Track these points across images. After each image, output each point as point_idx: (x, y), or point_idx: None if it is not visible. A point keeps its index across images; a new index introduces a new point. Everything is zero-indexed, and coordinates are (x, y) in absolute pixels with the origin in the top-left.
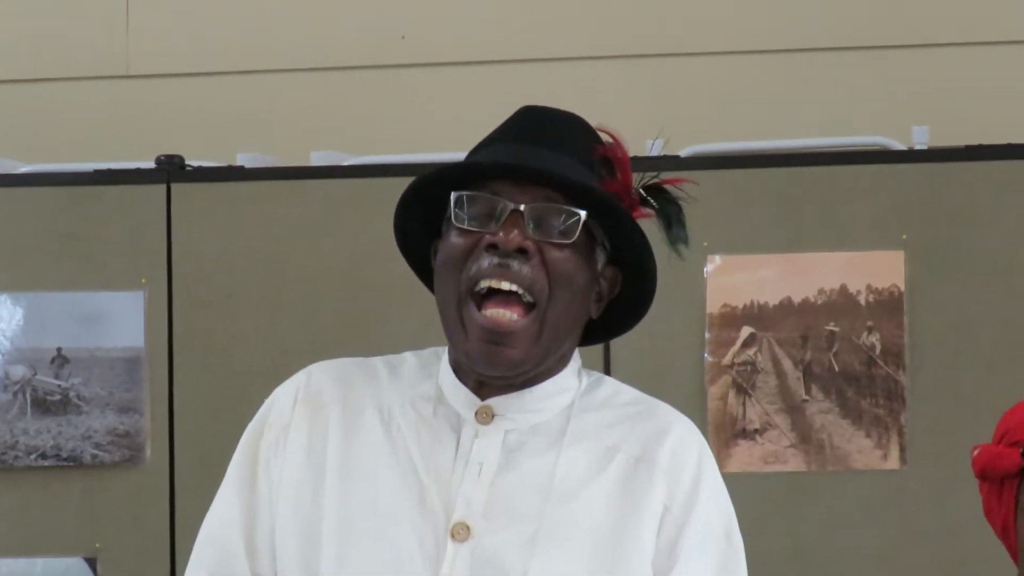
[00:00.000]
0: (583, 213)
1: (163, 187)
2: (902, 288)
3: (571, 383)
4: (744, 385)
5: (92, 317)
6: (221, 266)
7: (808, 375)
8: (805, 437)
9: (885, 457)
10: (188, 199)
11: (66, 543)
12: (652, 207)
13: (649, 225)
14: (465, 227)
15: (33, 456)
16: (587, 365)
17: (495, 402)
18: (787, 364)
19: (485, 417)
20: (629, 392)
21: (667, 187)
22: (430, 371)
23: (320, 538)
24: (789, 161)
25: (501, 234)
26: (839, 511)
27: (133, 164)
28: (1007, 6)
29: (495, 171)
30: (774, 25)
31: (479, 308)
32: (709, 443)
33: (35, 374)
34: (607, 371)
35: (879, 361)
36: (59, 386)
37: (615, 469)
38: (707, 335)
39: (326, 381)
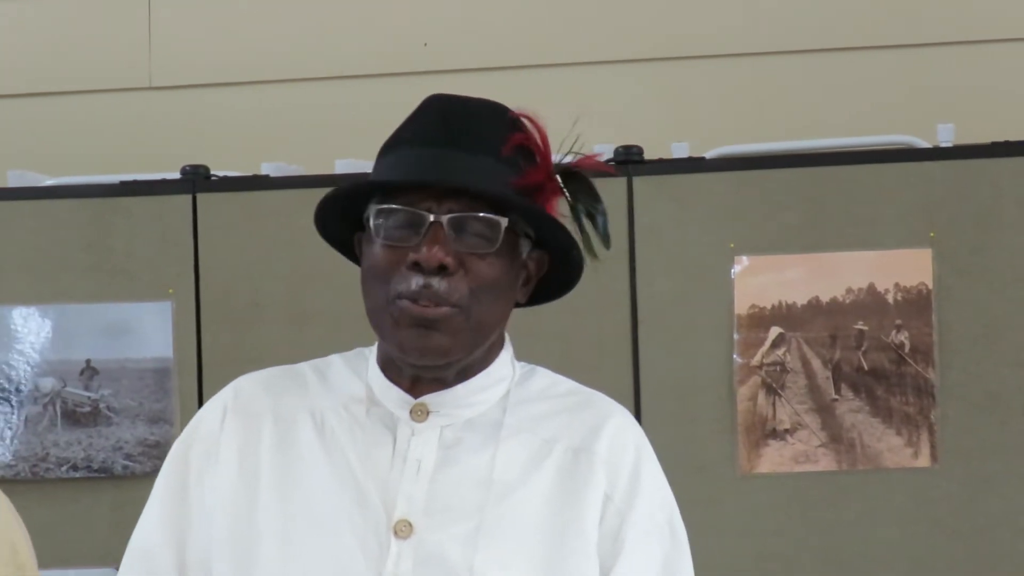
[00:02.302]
0: (504, 220)
1: (189, 197)
2: (930, 286)
3: (504, 373)
4: (773, 385)
5: (120, 328)
6: (248, 275)
7: (837, 374)
8: (835, 436)
9: (916, 455)
10: (214, 209)
11: (97, 554)
12: (566, 197)
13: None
14: (387, 243)
15: (64, 468)
16: (615, 370)
17: (429, 399)
18: (816, 364)
19: (420, 415)
20: (565, 383)
21: (586, 174)
22: (358, 371)
23: (259, 551)
24: (815, 161)
25: (424, 250)
26: (871, 510)
27: (158, 175)
28: None
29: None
30: (798, 26)
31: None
32: (740, 444)
33: (65, 386)
34: (635, 374)
35: (908, 359)
36: (89, 398)
37: (554, 461)
38: (736, 336)
39: (255, 393)
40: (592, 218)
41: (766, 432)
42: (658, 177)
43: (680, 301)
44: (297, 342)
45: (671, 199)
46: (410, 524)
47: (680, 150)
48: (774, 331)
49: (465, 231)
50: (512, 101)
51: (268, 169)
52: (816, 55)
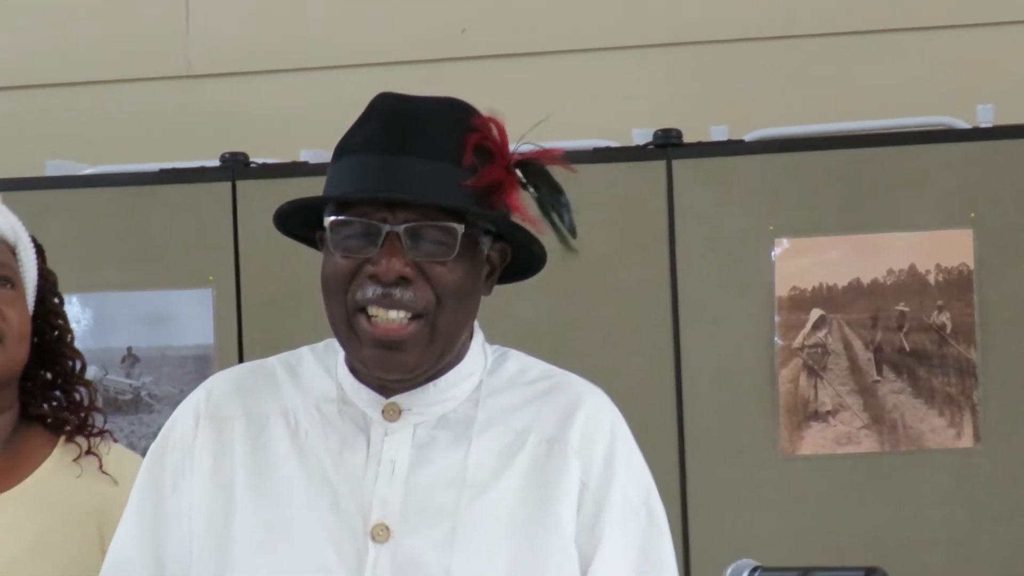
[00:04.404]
0: (460, 227)
1: (228, 184)
2: (971, 266)
3: (475, 365)
4: (815, 367)
5: (161, 316)
6: (288, 262)
7: (879, 355)
8: (878, 418)
9: (959, 436)
10: (253, 196)
11: None
12: (530, 192)
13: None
14: (344, 254)
15: None
16: (657, 354)
17: (401, 399)
18: (858, 345)
19: (392, 414)
20: (536, 367)
21: (542, 166)
22: (328, 367)
23: (235, 560)
24: (855, 143)
25: (382, 262)
26: (913, 491)
27: (198, 163)
28: None
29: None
30: (837, 8)
31: (368, 318)
32: (782, 426)
33: (106, 374)
34: (676, 358)
35: (950, 340)
36: (130, 385)
37: (527, 454)
38: (776, 318)
39: (226, 394)
40: (556, 210)
41: (808, 414)
42: (697, 160)
43: (720, 284)
44: None
45: (710, 182)
46: (387, 528)
47: (719, 133)
48: (815, 313)
49: (422, 239)
50: (549, 86)
51: (307, 156)
52: (856, 37)
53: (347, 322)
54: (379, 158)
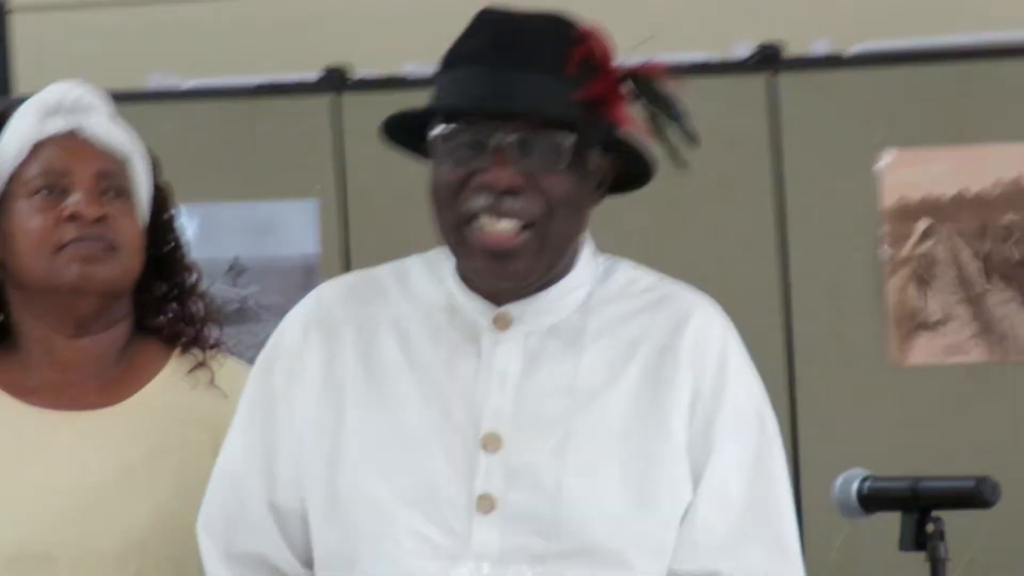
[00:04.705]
0: (569, 138)
1: (330, 98)
2: None
3: (585, 276)
4: (924, 276)
5: (266, 226)
6: (393, 173)
7: (988, 265)
8: (987, 327)
9: None
10: (357, 108)
11: None
12: (642, 103)
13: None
14: (453, 165)
15: None
16: (763, 266)
17: (511, 308)
18: (966, 255)
19: (503, 324)
20: (646, 277)
21: (655, 82)
22: (438, 275)
23: (347, 468)
24: (958, 57)
25: (492, 172)
26: (1021, 400)
27: (298, 76)
28: None
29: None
30: None
31: (478, 227)
32: (891, 336)
33: (212, 284)
34: (783, 269)
35: None
36: (237, 294)
37: (639, 363)
38: (884, 229)
39: (336, 302)
40: (672, 120)
41: (917, 324)
42: (801, 74)
43: (827, 196)
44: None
45: (814, 96)
46: (499, 437)
47: (821, 47)
48: (923, 223)
49: (531, 150)
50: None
51: (409, 68)
52: None
53: (457, 231)
54: (487, 71)
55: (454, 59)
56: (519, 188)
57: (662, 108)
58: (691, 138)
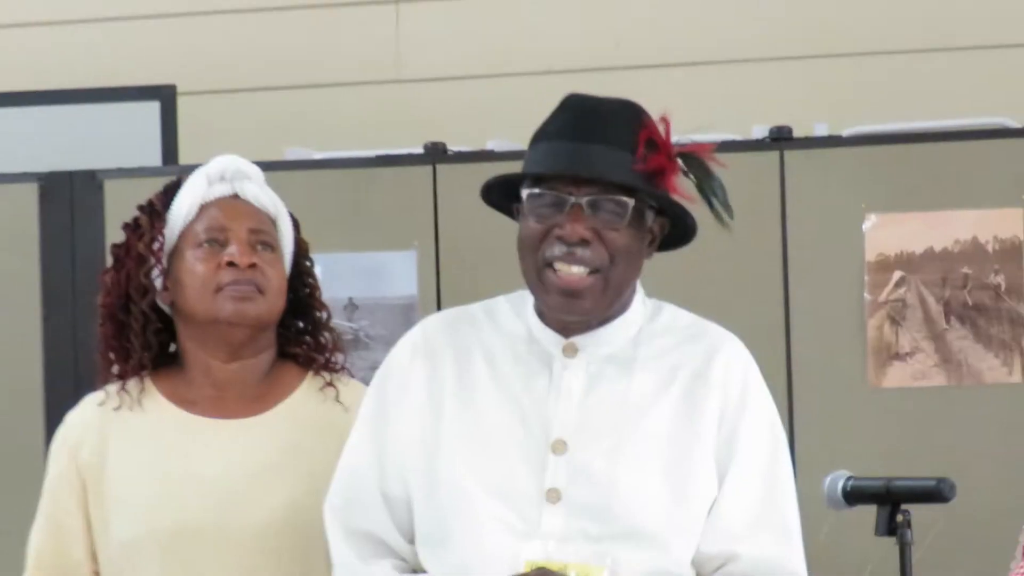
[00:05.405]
0: (631, 201)
1: (430, 168)
2: (1022, 238)
3: (637, 315)
4: (896, 318)
5: (376, 272)
6: (477, 230)
7: (948, 309)
8: (947, 358)
9: (1010, 373)
10: (450, 176)
11: None
12: (690, 177)
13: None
14: (536, 220)
15: None
16: (769, 307)
17: (577, 339)
18: (931, 300)
19: (570, 352)
20: (685, 316)
21: (703, 158)
22: (521, 312)
23: (442, 461)
24: (930, 138)
25: (567, 227)
26: (974, 417)
27: (405, 150)
28: None
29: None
30: (916, 29)
31: (554, 272)
32: (870, 364)
33: (331, 319)
34: (786, 310)
35: (1004, 296)
36: (351, 328)
37: (678, 385)
38: (866, 278)
39: (438, 331)
40: (712, 191)
41: (891, 355)
42: (805, 151)
43: (822, 250)
44: (519, 284)
45: (815, 169)
46: (564, 442)
47: (821, 129)
48: (897, 274)
49: (600, 209)
50: (687, 91)
51: (493, 144)
52: (930, 54)
53: (537, 275)
54: (569, 144)
55: (543, 134)
56: (588, 239)
57: (707, 181)
58: (727, 207)
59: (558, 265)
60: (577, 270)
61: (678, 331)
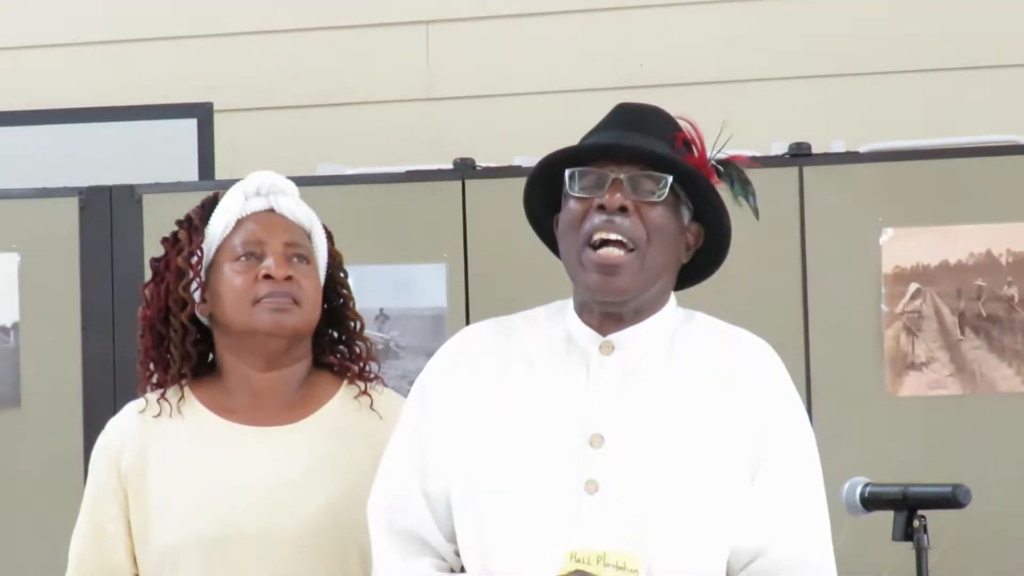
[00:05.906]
0: (669, 177)
1: (459, 183)
2: None
3: (670, 319)
4: (913, 328)
5: (406, 284)
6: (504, 245)
7: (962, 320)
8: (961, 367)
9: (1023, 382)
10: (478, 191)
11: None
12: (720, 174)
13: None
14: (578, 195)
15: None
16: (790, 317)
17: (613, 337)
18: (946, 311)
19: (607, 349)
20: (718, 323)
21: (735, 163)
22: (558, 318)
23: (481, 449)
24: (945, 155)
25: (607, 197)
26: (987, 424)
27: (436, 166)
28: None
29: (599, 151)
30: (931, 52)
31: (594, 250)
32: (887, 373)
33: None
34: (805, 319)
35: (1018, 308)
36: (382, 338)
37: (713, 383)
38: (883, 290)
39: (477, 340)
40: (746, 196)
41: (907, 364)
42: (823, 167)
43: (840, 263)
44: (545, 295)
45: (833, 184)
46: (602, 436)
47: (839, 146)
48: (913, 286)
49: (639, 186)
50: (709, 109)
51: (519, 160)
52: (947, 72)
53: (577, 254)
54: (612, 133)
55: (591, 132)
56: (627, 209)
57: (744, 186)
58: (754, 211)
59: (598, 236)
60: (615, 251)
61: (711, 334)
